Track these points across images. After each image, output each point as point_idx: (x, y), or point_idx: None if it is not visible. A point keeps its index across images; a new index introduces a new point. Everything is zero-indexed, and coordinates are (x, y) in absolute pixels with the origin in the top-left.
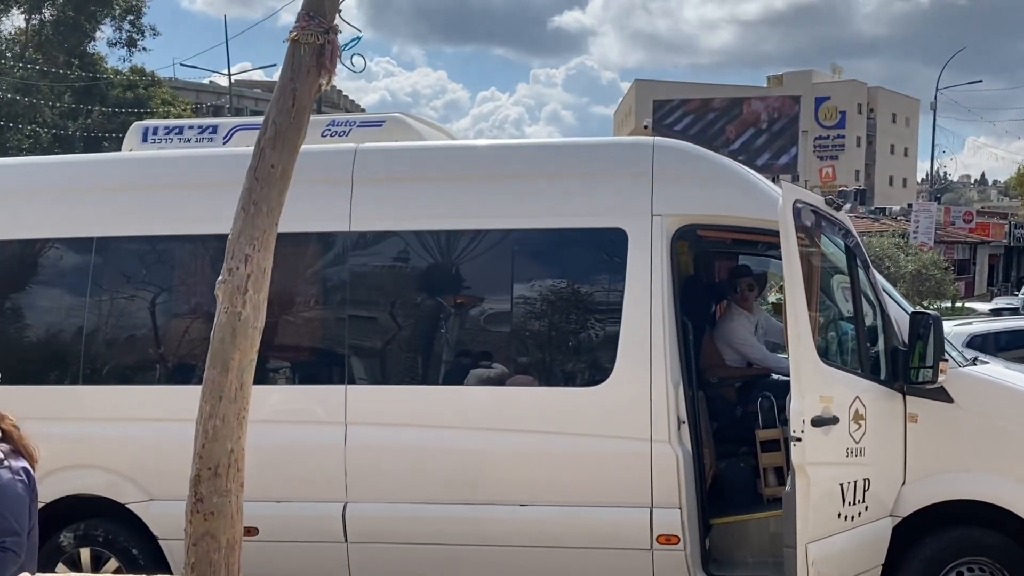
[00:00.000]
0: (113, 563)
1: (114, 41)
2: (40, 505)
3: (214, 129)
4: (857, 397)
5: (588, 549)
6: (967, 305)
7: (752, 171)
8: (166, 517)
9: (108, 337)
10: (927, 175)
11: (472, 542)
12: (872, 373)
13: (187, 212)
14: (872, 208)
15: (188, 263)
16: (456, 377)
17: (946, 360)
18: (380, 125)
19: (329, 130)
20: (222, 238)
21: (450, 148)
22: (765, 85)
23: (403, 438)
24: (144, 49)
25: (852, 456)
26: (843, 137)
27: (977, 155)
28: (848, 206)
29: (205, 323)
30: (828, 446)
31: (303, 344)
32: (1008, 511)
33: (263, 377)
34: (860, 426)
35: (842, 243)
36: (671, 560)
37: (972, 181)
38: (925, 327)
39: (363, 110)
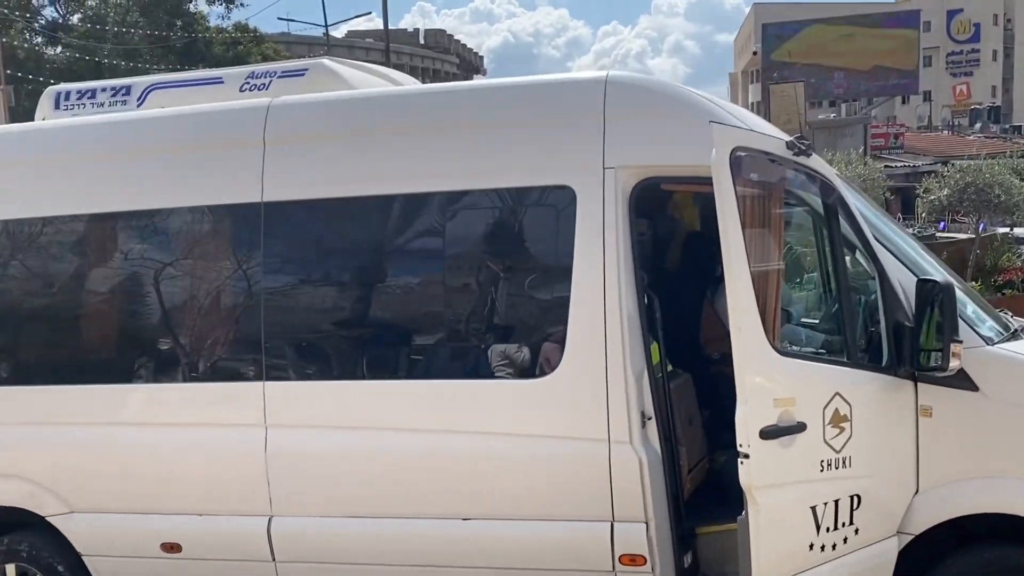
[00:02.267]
0: None
1: None
2: None
3: (127, 90)
4: (837, 393)
5: (541, 571)
6: None
7: (738, 108)
8: (89, 531)
9: (12, 333)
10: None
11: (412, 561)
12: (867, 359)
13: (96, 187)
14: (1006, 127)
15: (101, 246)
16: (382, 369)
17: (959, 340)
18: (302, 75)
19: (248, 83)
20: (141, 215)
21: (373, 97)
22: (893, 0)
23: (329, 442)
24: (241, 5)
25: (831, 469)
26: (978, 52)
27: None
28: (977, 127)
29: (122, 313)
30: (791, 461)
31: (214, 335)
32: None
33: (174, 374)
34: (842, 430)
35: (816, 197)
36: None
37: None
38: (933, 297)
39: (481, 57)
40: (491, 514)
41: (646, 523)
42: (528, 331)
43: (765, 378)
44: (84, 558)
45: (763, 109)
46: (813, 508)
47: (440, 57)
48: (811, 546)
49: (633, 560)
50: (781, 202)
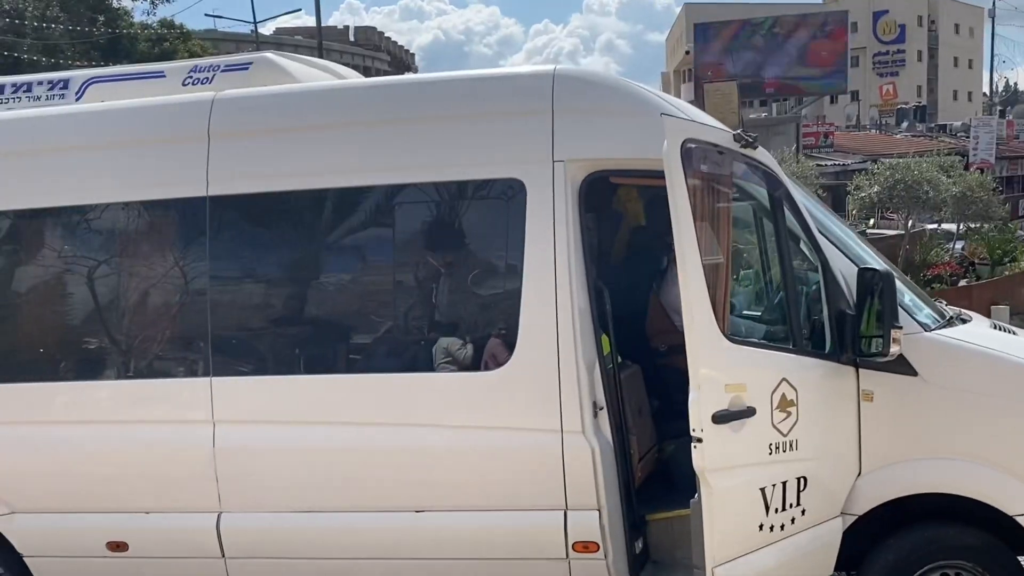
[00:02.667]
0: None
1: None
2: None
3: (65, 84)
4: (784, 379)
5: (496, 560)
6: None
7: (682, 102)
8: (30, 532)
9: None
10: (991, 87)
11: (366, 555)
12: (811, 346)
13: (35, 183)
14: (931, 126)
15: (42, 243)
16: (331, 364)
17: (899, 327)
18: (247, 68)
19: (191, 77)
20: (81, 211)
21: (317, 91)
22: (821, 1)
23: (277, 437)
24: (166, 1)
25: (779, 452)
26: (903, 52)
27: None
28: (905, 127)
29: (64, 310)
30: (742, 445)
31: (160, 331)
32: (989, 505)
33: (116, 370)
34: (789, 414)
35: (762, 189)
36: (591, 570)
37: None
38: (873, 285)
39: (412, 54)
40: (444, 506)
41: (599, 511)
42: (478, 325)
43: (717, 365)
44: (26, 559)
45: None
46: (763, 490)
47: (371, 55)
48: (760, 527)
49: (586, 547)
50: (730, 193)
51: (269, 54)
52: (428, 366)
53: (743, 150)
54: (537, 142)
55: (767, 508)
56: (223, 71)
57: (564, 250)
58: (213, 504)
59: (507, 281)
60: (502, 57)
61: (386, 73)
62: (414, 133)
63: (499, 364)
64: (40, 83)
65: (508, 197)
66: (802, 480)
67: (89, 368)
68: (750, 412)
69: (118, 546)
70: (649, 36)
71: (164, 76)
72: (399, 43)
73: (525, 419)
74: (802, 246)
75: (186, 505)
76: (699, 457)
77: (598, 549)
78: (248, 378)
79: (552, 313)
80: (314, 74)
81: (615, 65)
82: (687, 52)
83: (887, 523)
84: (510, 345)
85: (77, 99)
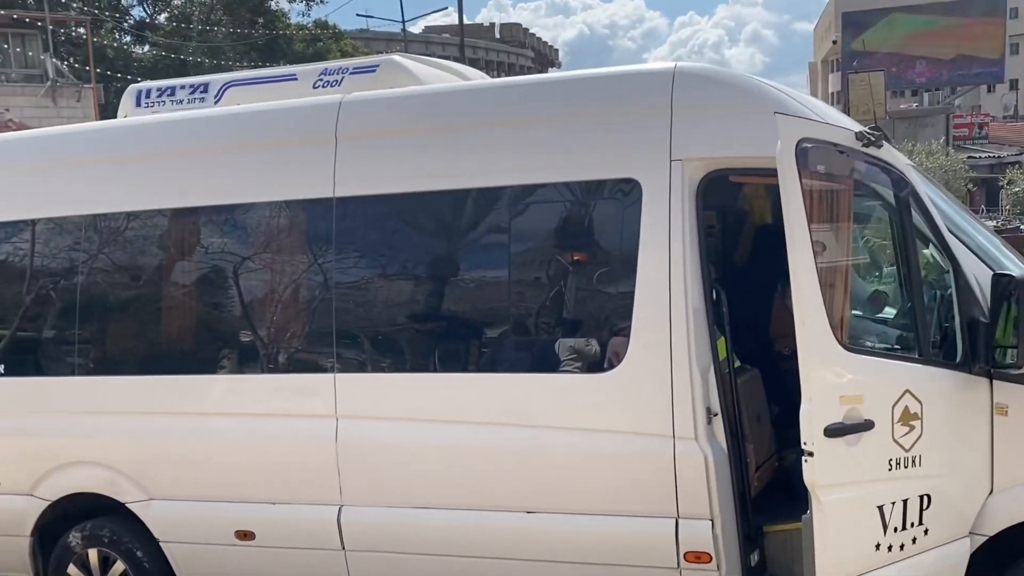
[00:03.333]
0: (120, 565)
1: None
2: (47, 503)
3: (205, 88)
4: (907, 391)
5: (606, 566)
6: None
7: (811, 99)
8: (166, 518)
9: (97, 324)
10: None
11: (479, 553)
12: (941, 356)
13: (177, 183)
14: None
15: (182, 241)
16: (451, 363)
17: None
18: (373, 71)
19: (321, 80)
20: (219, 210)
21: (439, 93)
22: None
23: (398, 433)
24: (321, 2)
25: (900, 468)
26: None
27: None
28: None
29: (201, 305)
30: (858, 460)
31: (289, 328)
32: None
33: (250, 365)
34: (912, 428)
35: (888, 190)
36: None
37: None
38: (1009, 292)
39: (556, 50)
40: (555, 508)
41: (711, 520)
42: (595, 325)
43: (831, 374)
44: (162, 544)
45: (843, 99)
46: (880, 508)
47: (515, 51)
48: (877, 546)
49: (698, 557)
50: (850, 195)
51: (395, 56)
52: (543, 366)
53: (866, 149)
54: (654, 141)
55: (885, 527)
56: (351, 74)
57: (679, 250)
58: (335, 497)
59: (622, 281)
60: (645, 50)
61: (530, 69)
62: (533, 134)
63: (618, 363)
64: (182, 87)
65: (625, 196)
66: (926, 498)
67: (225, 363)
68: (868, 425)
69: (245, 535)
70: (796, 26)
71: (296, 79)
72: (543, 39)
73: (636, 423)
74: (932, 249)
75: (310, 497)
76: (810, 471)
77: (711, 560)
78: (370, 375)
79: (665, 315)
80: (440, 75)
81: (761, 55)
82: (834, 42)
83: (1019, 545)
84: (626, 347)
85: (216, 102)
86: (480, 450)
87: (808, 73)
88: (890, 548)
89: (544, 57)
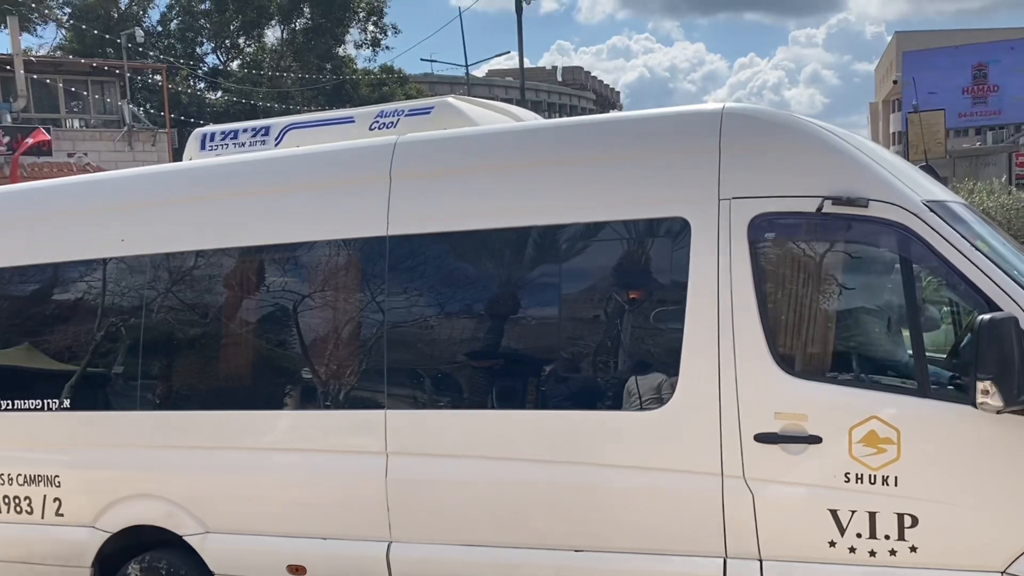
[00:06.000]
0: None
1: (360, 43)
2: (107, 535)
3: (266, 131)
4: (874, 416)
5: None
6: None
7: (859, 138)
8: (222, 551)
9: (161, 360)
10: None
11: None
12: (955, 391)
13: (240, 223)
14: None
15: (246, 279)
16: (500, 400)
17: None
18: (428, 112)
19: (377, 122)
20: (280, 249)
21: (492, 134)
22: None
23: (448, 470)
24: (387, 48)
25: (863, 483)
26: None
27: None
28: None
29: (260, 342)
30: (801, 465)
31: (343, 365)
32: None
33: (305, 402)
34: (877, 450)
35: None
36: None
37: None
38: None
39: (618, 92)
40: (603, 546)
41: (760, 561)
42: (646, 363)
43: (767, 395)
44: None
45: (903, 139)
46: (834, 511)
47: (577, 93)
48: (832, 543)
49: None
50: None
51: (450, 98)
52: (593, 403)
53: (842, 210)
54: (703, 180)
55: (842, 529)
56: (407, 115)
57: (727, 288)
58: (384, 533)
59: (673, 319)
60: (705, 92)
61: (591, 111)
62: (584, 173)
63: (667, 401)
64: (245, 130)
65: (676, 235)
66: (907, 517)
67: (281, 400)
68: (813, 439)
69: (297, 569)
70: (856, 66)
71: (353, 121)
72: (604, 81)
73: (684, 461)
74: (953, 291)
75: (360, 533)
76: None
77: None
78: (420, 411)
79: (714, 354)
80: (493, 116)
81: (820, 96)
82: (895, 82)
83: None
84: (671, 384)
85: (276, 144)
86: (528, 487)
87: (868, 113)
88: (852, 550)
89: (605, 99)
